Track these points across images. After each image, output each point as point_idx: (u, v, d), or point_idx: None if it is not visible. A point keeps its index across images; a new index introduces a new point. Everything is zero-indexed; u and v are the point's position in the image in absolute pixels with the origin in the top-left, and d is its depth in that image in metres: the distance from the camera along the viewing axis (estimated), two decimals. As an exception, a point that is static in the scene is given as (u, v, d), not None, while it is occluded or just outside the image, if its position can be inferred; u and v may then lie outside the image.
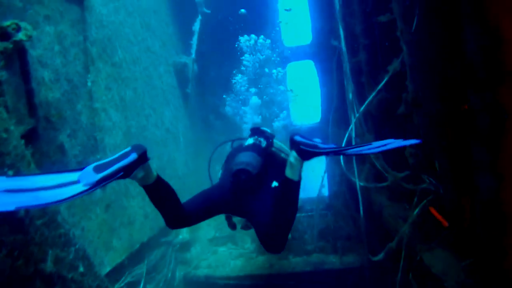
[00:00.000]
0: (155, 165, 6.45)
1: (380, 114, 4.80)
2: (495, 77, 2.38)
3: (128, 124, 5.71)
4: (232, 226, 3.86)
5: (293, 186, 2.84)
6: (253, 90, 9.45)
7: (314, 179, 8.40)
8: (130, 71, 6.07)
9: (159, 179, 2.84)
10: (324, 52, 7.60)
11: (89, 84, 4.74)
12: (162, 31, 8.15)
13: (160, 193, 2.90)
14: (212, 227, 8.27)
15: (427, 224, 3.65)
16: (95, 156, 4.73)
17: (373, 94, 4.36)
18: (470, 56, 2.48)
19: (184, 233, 7.52)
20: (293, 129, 8.81)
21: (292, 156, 2.77)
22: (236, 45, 9.49)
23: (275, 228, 2.98)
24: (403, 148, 3.88)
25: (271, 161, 3.65)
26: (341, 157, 5.45)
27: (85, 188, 2.09)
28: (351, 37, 5.73)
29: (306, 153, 2.68)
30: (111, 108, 5.25)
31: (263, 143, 3.83)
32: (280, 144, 4.29)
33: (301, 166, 2.80)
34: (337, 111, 7.07)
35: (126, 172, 2.42)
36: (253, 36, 9.30)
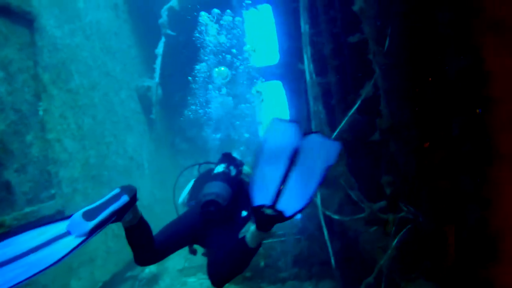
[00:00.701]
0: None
1: (352, 139, 4.64)
2: (477, 102, 2.23)
3: (86, 155, 5.33)
4: (193, 251, 3.68)
5: (247, 250, 2.70)
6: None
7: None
8: (88, 97, 5.71)
9: (142, 219, 2.66)
10: (292, 73, 7.48)
11: (40, 113, 4.35)
12: (123, 54, 7.82)
13: (140, 232, 2.71)
14: (182, 256, 7.88)
15: (407, 254, 3.45)
16: (49, 191, 4.33)
17: (345, 119, 4.18)
18: (451, 78, 2.32)
19: (151, 266, 7.09)
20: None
21: (253, 229, 2.57)
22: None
23: (222, 266, 2.88)
24: (379, 176, 3.72)
25: (240, 190, 3.52)
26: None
27: (79, 240, 1.93)
28: (318, 57, 5.60)
29: (270, 226, 2.48)
30: (67, 138, 4.86)
31: (233, 172, 3.65)
32: (249, 170, 4.12)
33: (265, 237, 2.63)
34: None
35: (118, 216, 2.24)
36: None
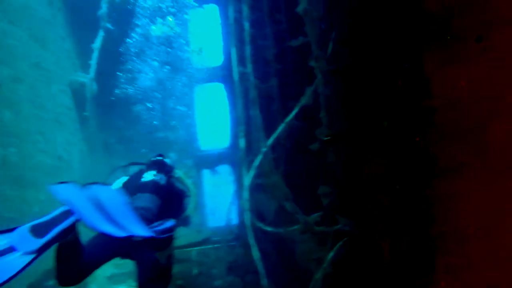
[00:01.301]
0: (43, 198, 5.62)
1: (290, 147, 4.59)
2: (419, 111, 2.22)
3: (4, 153, 4.87)
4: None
5: (161, 266, 2.83)
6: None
7: (223, 205, 8.07)
8: (11, 89, 5.24)
9: (79, 236, 2.47)
10: (233, 75, 7.34)
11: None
12: (57, 45, 7.30)
13: (74, 249, 2.53)
14: (111, 263, 7.47)
15: (342, 268, 3.44)
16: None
17: (282, 125, 4.11)
18: (392, 86, 2.31)
19: (75, 274, 6.65)
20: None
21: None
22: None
23: (146, 282, 2.94)
24: (316, 185, 3.69)
25: (169, 197, 3.42)
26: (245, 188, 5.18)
27: (29, 259, 1.76)
28: (262, 61, 5.52)
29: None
30: (-20, 133, 4.40)
31: (163, 180, 3.47)
32: (180, 173, 3.96)
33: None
34: (245, 137, 6.80)
35: (67, 234, 2.10)
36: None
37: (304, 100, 4.00)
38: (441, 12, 2.16)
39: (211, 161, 8.55)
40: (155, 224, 2.76)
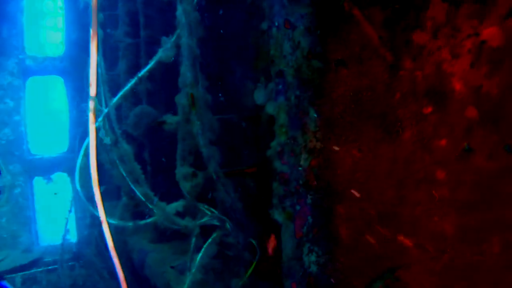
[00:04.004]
0: None
1: (142, 132, 4.02)
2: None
3: None
4: None
5: None
6: None
7: (58, 220, 6.90)
8: None
9: None
10: (77, 69, 6.43)
11: None
12: None
13: None
14: None
15: (214, 274, 2.94)
16: None
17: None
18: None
19: None
20: None
21: None
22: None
23: None
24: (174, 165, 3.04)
25: None
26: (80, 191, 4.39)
27: None
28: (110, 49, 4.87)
29: None
30: None
31: None
32: None
33: None
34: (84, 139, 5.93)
35: None
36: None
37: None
38: None
39: (44, 168, 7.30)
40: None
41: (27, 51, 7.17)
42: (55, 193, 7.53)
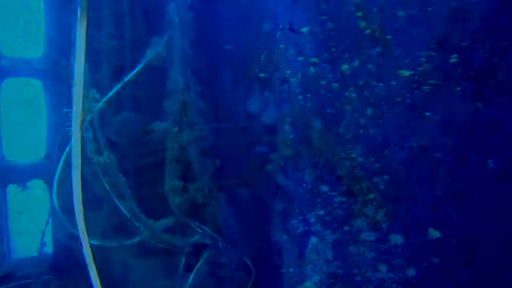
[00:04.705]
0: None
1: (125, 141, 3.83)
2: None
3: None
4: None
5: None
6: None
7: (34, 230, 6.62)
8: None
9: None
10: (57, 71, 6.20)
11: None
12: None
13: None
14: None
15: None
16: None
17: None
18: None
19: None
20: None
21: None
22: None
23: None
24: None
25: None
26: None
27: None
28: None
29: None
30: None
31: None
32: None
33: None
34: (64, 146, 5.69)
35: None
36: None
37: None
38: None
39: (19, 175, 7.01)
40: None
41: (3, 51, 6.91)
42: (20, 212, 7.17)
